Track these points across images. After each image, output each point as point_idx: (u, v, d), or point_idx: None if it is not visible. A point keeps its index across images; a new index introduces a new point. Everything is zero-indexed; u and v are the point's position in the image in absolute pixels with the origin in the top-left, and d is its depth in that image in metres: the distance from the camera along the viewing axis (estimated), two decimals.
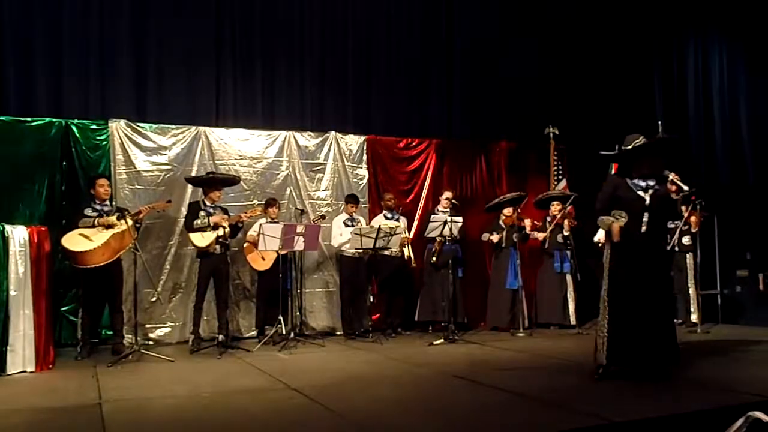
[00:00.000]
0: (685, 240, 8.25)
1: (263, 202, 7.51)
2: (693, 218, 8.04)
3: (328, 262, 8.13)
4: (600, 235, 4.95)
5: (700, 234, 8.14)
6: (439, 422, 3.91)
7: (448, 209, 7.93)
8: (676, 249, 8.46)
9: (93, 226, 6.18)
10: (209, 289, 6.90)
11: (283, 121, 8.45)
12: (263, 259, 7.23)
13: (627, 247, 4.89)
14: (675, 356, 4.96)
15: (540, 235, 8.27)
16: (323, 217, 7.55)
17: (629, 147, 5.01)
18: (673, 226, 8.53)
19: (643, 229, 4.88)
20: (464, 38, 9.67)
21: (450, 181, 8.87)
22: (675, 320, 5.56)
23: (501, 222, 8.24)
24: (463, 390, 4.86)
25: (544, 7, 10.11)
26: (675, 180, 5.09)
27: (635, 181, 5.00)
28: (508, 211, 8.13)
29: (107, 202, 6.53)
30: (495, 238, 8.22)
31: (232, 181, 7.27)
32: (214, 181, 6.95)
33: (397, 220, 7.77)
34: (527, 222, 8.20)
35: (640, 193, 4.95)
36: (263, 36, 8.54)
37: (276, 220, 7.29)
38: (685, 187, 5.17)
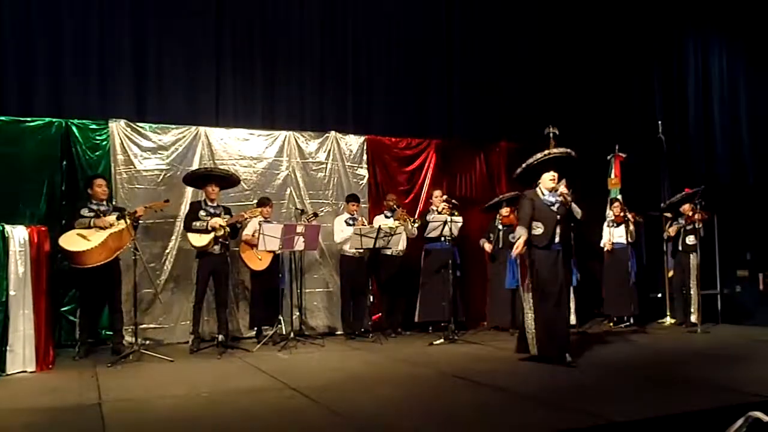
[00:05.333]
0: (689, 240, 8.23)
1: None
2: (697, 216, 8.04)
3: (328, 262, 8.12)
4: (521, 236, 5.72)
5: (699, 234, 8.15)
6: (439, 422, 3.91)
7: (443, 207, 7.87)
8: (680, 248, 8.46)
9: (89, 227, 6.15)
10: (209, 289, 6.90)
11: (283, 121, 8.45)
12: (260, 259, 7.21)
13: (543, 253, 5.76)
14: (568, 345, 5.81)
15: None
16: (315, 215, 7.49)
17: (525, 165, 5.86)
18: (677, 225, 8.53)
19: (557, 239, 5.77)
20: (464, 38, 9.67)
21: (450, 181, 8.87)
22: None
23: (497, 223, 8.21)
24: (463, 390, 4.86)
25: (544, 6, 10.11)
26: (564, 195, 5.74)
27: (545, 197, 5.80)
28: (505, 210, 8.12)
29: (104, 202, 6.49)
30: (488, 247, 8.22)
31: (226, 176, 7.05)
32: (205, 178, 6.86)
33: (397, 219, 7.74)
34: None
35: (552, 208, 5.77)
36: (263, 36, 8.53)
37: (269, 219, 7.27)
38: (571, 202, 5.77)
